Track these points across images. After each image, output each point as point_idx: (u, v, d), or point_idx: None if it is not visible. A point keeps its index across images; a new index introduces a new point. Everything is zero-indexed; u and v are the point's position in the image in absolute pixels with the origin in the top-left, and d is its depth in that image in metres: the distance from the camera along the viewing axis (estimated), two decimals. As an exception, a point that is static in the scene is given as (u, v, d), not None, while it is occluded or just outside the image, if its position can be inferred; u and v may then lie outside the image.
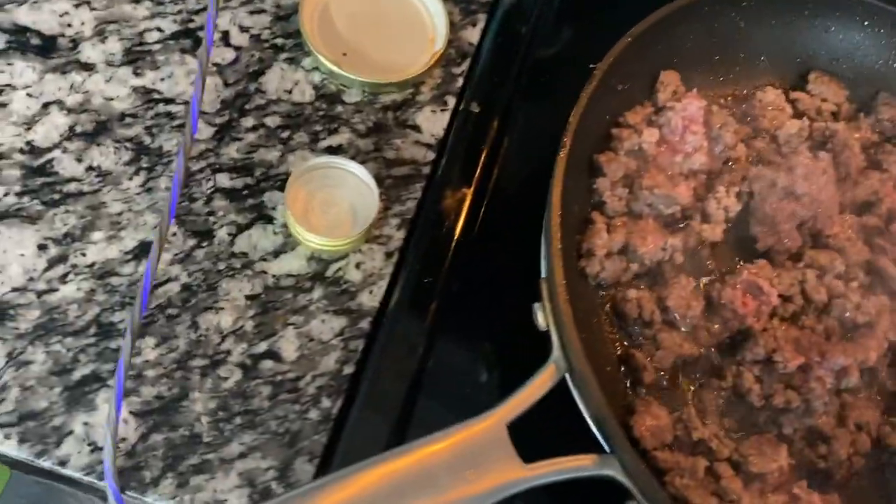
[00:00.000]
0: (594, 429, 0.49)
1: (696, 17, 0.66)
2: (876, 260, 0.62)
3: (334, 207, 0.61)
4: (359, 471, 0.44)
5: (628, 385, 0.57)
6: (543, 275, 0.53)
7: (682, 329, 0.58)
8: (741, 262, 0.62)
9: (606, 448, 0.49)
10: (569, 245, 0.60)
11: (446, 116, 0.68)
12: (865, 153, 0.67)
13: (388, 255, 0.62)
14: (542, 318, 0.53)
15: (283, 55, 0.68)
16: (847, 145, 0.66)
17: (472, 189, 0.65)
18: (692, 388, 0.57)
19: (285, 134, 0.65)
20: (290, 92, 0.66)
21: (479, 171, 0.66)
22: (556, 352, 0.51)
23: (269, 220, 0.61)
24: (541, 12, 0.74)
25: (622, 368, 0.58)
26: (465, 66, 0.70)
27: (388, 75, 0.67)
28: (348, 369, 0.58)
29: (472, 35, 0.71)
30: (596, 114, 0.61)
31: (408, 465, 0.45)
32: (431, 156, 0.66)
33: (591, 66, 0.59)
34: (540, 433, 0.49)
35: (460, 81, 0.69)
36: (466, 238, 0.63)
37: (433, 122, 0.67)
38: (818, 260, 0.60)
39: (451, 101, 0.68)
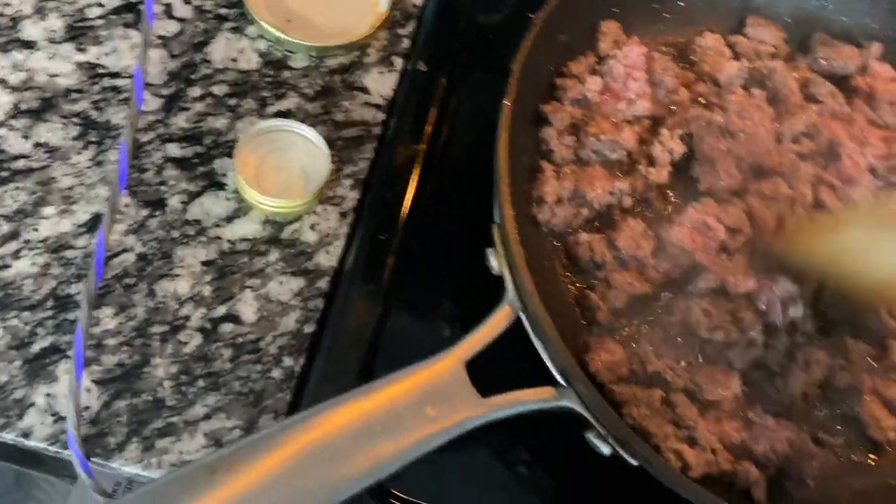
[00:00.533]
0: (549, 364, 0.50)
1: (633, -34, 0.67)
2: (820, 178, 0.63)
3: (285, 170, 0.61)
4: (322, 411, 0.45)
5: (584, 324, 0.58)
6: (495, 220, 0.54)
7: (633, 268, 0.60)
8: (688, 202, 0.63)
9: (563, 382, 0.50)
10: (520, 193, 0.61)
11: (394, 77, 0.68)
12: (803, 90, 0.69)
13: (343, 214, 0.62)
14: (495, 262, 0.54)
15: (228, 24, 0.68)
16: (785, 83, 0.67)
17: (423, 147, 0.66)
18: (645, 324, 0.59)
19: (233, 101, 0.65)
20: (235, 60, 0.66)
21: (429, 129, 0.66)
22: (510, 293, 0.52)
23: (221, 186, 0.62)
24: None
25: (577, 309, 0.59)
26: (410, 27, 0.71)
27: (333, 39, 0.67)
28: (309, 328, 0.58)
29: (416, -4, 0.72)
30: (539, 64, 0.62)
31: (371, 405, 0.46)
32: (381, 116, 0.67)
33: (530, 15, 0.60)
34: (499, 371, 0.50)
35: (406, 42, 0.70)
36: (420, 194, 0.64)
37: (381, 84, 0.68)
38: (763, 189, 0.62)
39: (399, 62, 0.69)
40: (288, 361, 0.57)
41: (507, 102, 0.56)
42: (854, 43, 0.71)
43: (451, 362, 0.48)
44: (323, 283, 0.60)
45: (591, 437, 0.50)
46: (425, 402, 0.46)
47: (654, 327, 0.58)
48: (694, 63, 0.69)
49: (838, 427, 0.60)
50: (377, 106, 0.67)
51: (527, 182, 0.62)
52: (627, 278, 0.59)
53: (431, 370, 0.47)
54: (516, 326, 0.52)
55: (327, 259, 0.61)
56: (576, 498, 0.59)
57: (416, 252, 0.62)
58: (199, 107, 0.64)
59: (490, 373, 0.51)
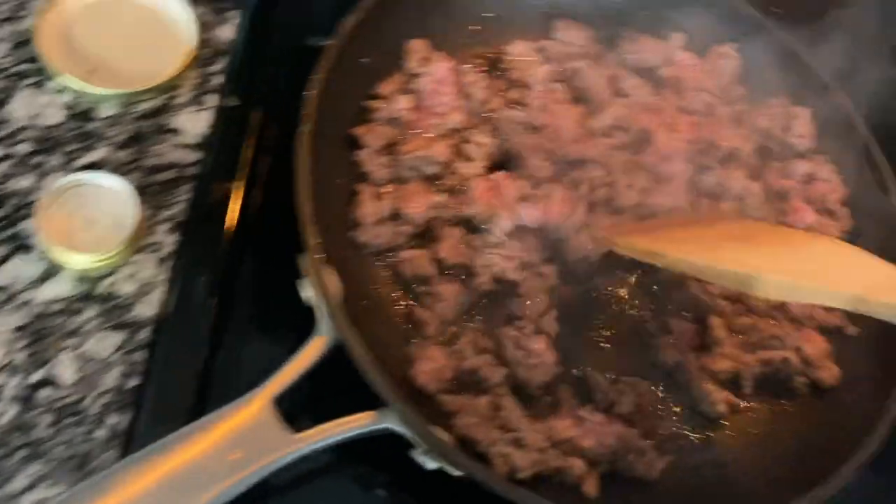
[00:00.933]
0: (372, 386, 0.50)
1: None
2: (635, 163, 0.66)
3: (96, 224, 0.60)
4: (113, 476, 0.43)
5: (414, 341, 0.59)
6: (303, 250, 0.54)
7: (460, 278, 0.60)
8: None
9: (383, 403, 0.50)
10: (338, 218, 0.61)
11: (207, 115, 0.67)
12: (612, 86, 0.71)
13: (162, 260, 0.61)
14: (307, 292, 0.53)
15: (27, 81, 0.66)
16: (592, 80, 0.69)
17: (243, 182, 0.65)
18: (470, 328, 0.59)
19: (37, 159, 0.63)
20: (38, 116, 0.65)
21: (247, 163, 0.66)
22: (323, 323, 0.52)
23: (29, 248, 0.60)
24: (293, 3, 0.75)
25: (407, 326, 0.59)
26: (221, 63, 0.70)
27: (140, 83, 0.66)
28: (133, 382, 0.57)
29: (226, 32, 0.71)
30: (344, 89, 0.62)
31: (171, 464, 0.45)
32: (196, 156, 0.66)
33: (326, 43, 0.60)
34: (324, 400, 0.51)
35: (218, 79, 0.69)
36: (242, 230, 0.63)
37: (194, 123, 0.67)
38: (574, 177, 0.63)
39: (211, 99, 0.68)
40: (113, 419, 0.55)
41: (304, 130, 0.56)
42: (658, 36, 0.74)
43: (258, 402, 0.47)
44: (144, 334, 0.58)
45: (416, 454, 0.51)
46: (230, 447, 0.45)
47: (479, 330, 0.59)
48: (505, 71, 0.71)
49: (674, 407, 0.62)
50: (191, 146, 0.66)
51: (346, 206, 0.62)
52: (454, 289, 0.60)
53: (236, 414, 0.47)
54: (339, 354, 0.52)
55: (147, 309, 0.59)
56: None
57: (240, 289, 0.61)
58: (1, 168, 0.62)
59: (314, 403, 0.52)
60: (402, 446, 0.52)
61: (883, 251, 0.66)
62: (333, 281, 0.53)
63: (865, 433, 0.57)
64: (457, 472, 0.50)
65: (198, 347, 0.58)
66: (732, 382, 0.62)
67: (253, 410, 0.47)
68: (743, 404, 0.62)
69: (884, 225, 0.67)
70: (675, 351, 0.61)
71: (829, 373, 0.63)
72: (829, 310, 0.66)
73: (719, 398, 0.61)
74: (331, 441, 0.48)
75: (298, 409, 0.51)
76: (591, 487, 0.54)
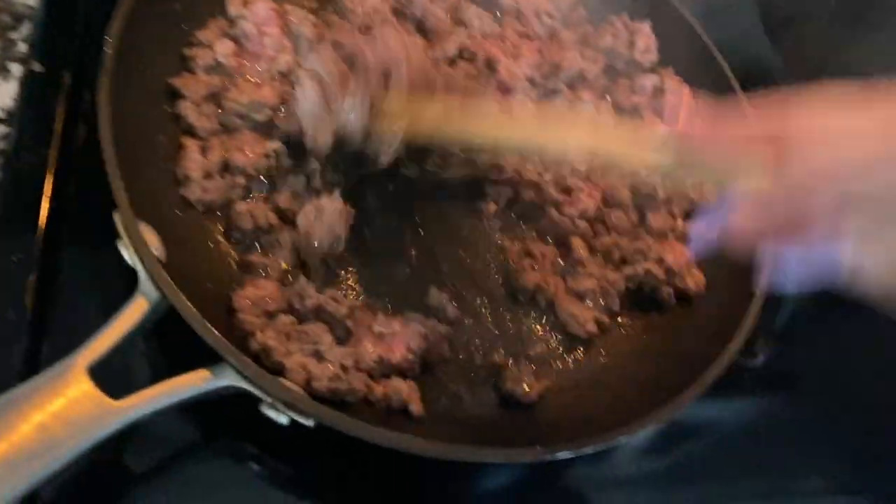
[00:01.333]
0: (202, 339, 0.46)
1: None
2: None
3: None
4: None
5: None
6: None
7: (298, 226, 0.57)
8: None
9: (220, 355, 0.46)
10: (165, 176, 0.56)
11: (13, 85, 0.61)
12: (453, 16, 0.69)
13: (-29, 242, 0.55)
14: (127, 254, 0.49)
15: None
16: (428, 10, 0.67)
17: (56, 150, 0.59)
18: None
19: None
20: None
21: (59, 131, 0.60)
22: (143, 283, 0.48)
23: None
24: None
25: (242, 275, 0.55)
26: (25, 29, 0.64)
27: (-72, 57, 0.60)
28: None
29: (26, -5, 0.65)
30: (156, 36, 0.58)
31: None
32: (3, 130, 0.60)
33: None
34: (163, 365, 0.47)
35: (23, 46, 0.63)
36: (60, 201, 0.58)
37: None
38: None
39: (16, 67, 0.62)
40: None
41: (103, 81, 0.51)
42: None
43: (70, 372, 0.43)
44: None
45: (265, 409, 0.47)
46: (41, 424, 0.40)
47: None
48: (338, 7, 0.67)
49: (550, 332, 0.60)
50: (-3, 120, 0.60)
51: (172, 162, 0.57)
52: (292, 236, 0.56)
53: (45, 387, 0.42)
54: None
55: (-45, 295, 0.53)
56: (311, 475, 0.55)
57: (61, 264, 0.56)
58: None
59: (145, 369, 0.47)
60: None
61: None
62: (152, 239, 0.49)
63: (730, 334, 0.57)
64: (309, 422, 0.46)
65: (16, 335, 0.53)
66: (601, 300, 0.61)
67: (65, 381, 0.42)
68: (611, 321, 0.61)
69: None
70: (536, 275, 0.60)
71: (694, 280, 0.63)
72: (687, 219, 0.66)
73: (587, 317, 0.59)
74: (160, 406, 0.44)
75: (126, 377, 0.46)
76: (416, 406, 0.52)
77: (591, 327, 0.59)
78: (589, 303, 0.61)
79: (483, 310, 0.60)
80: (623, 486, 0.59)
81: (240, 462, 0.54)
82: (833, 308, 0.65)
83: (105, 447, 0.44)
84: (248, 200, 0.57)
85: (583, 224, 0.63)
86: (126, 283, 0.49)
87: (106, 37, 0.52)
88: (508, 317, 0.60)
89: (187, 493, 0.52)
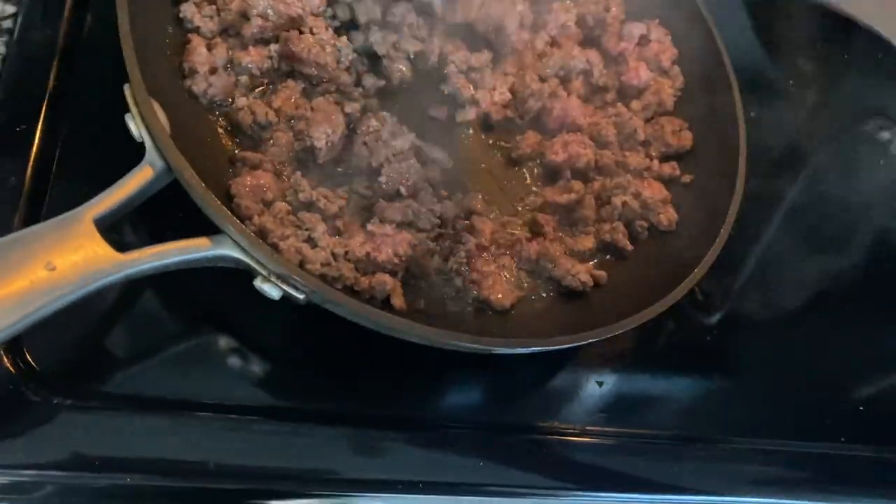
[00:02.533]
0: (204, 210, 0.48)
1: None
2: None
3: None
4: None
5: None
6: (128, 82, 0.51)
7: (294, 129, 0.59)
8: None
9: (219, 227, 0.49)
10: (169, 65, 0.58)
11: (23, -30, 0.63)
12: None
13: (-24, 115, 0.56)
14: (134, 126, 0.51)
15: None
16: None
17: (62, 34, 0.61)
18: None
19: None
20: None
21: (66, 14, 0.62)
22: (151, 152, 0.50)
23: None
24: None
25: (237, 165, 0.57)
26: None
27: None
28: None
29: None
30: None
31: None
32: (10, 9, 0.61)
33: None
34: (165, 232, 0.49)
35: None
36: (64, 81, 0.59)
37: (8, -23, 0.62)
38: None
39: (27, -45, 0.63)
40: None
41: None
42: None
43: (79, 219, 0.45)
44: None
45: (259, 282, 0.49)
46: (50, 260, 0.42)
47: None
48: None
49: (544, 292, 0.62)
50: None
51: (178, 55, 0.59)
52: (287, 137, 0.58)
53: (56, 230, 0.44)
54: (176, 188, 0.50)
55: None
56: (292, 366, 0.58)
57: (62, 144, 0.58)
58: None
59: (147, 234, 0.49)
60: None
61: (711, 108, 0.71)
62: (160, 113, 0.51)
63: (695, 265, 0.60)
64: (301, 297, 0.49)
65: (13, 203, 0.54)
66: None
67: (72, 228, 0.44)
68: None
69: (709, 82, 0.71)
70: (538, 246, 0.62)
71: (667, 216, 0.66)
72: (663, 161, 0.69)
73: (583, 273, 0.61)
74: (162, 264, 0.46)
75: (128, 238, 0.48)
76: (398, 300, 0.54)
77: (587, 279, 0.61)
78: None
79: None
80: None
81: (217, 351, 0.56)
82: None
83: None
84: (248, 98, 0.59)
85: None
86: (126, 159, 0.51)
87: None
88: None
89: (164, 376, 0.54)
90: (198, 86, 0.58)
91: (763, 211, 0.76)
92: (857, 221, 0.79)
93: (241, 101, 0.58)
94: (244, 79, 0.59)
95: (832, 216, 0.78)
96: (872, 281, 0.76)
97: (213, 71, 0.58)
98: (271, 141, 0.58)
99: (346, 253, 0.54)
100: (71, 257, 0.43)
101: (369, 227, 0.55)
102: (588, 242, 0.63)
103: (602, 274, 0.62)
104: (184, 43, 0.59)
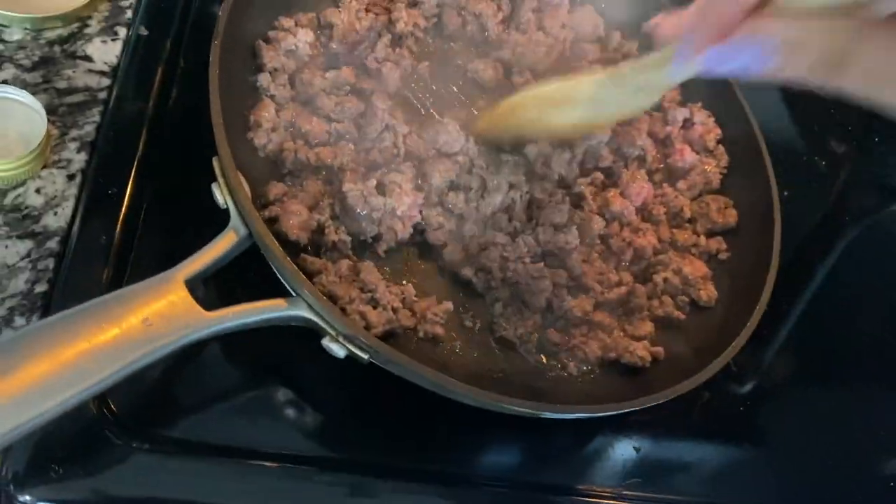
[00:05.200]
0: (282, 275, 0.53)
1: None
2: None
3: (2, 138, 0.60)
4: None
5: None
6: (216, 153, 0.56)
7: None
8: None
9: (292, 292, 0.53)
10: (238, 121, 0.62)
11: (118, 45, 0.69)
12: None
13: (70, 177, 0.62)
14: (219, 194, 0.55)
15: (-70, 3, 0.66)
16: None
17: (150, 106, 0.67)
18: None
19: (-59, 75, 0.63)
20: (-59, 36, 0.65)
21: (155, 90, 0.67)
22: (234, 219, 0.54)
23: (-67, 159, 0.59)
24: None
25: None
26: (132, -1, 0.72)
27: (48, 10, 0.67)
28: (40, 287, 0.57)
29: (137, -32, 0.73)
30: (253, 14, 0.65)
31: (89, 330, 0.46)
32: (106, 82, 0.67)
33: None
34: (243, 293, 0.53)
35: (129, 13, 0.71)
36: (151, 151, 0.65)
37: (105, 52, 0.68)
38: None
39: (122, 31, 0.70)
40: (20, 321, 0.56)
41: (215, 42, 0.58)
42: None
43: (171, 281, 0.49)
44: (53, 244, 0.59)
45: (326, 342, 0.53)
46: (144, 318, 0.47)
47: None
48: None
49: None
50: (101, 73, 0.67)
51: (246, 110, 0.64)
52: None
53: (149, 290, 0.48)
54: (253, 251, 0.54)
55: (55, 220, 0.60)
56: (347, 420, 0.61)
57: (148, 206, 0.63)
58: None
59: (228, 296, 0.54)
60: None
61: (747, 186, 0.74)
62: (244, 182, 0.55)
63: (732, 339, 0.63)
64: (364, 357, 0.53)
65: (103, 258, 0.59)
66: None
67: (166, 288, 0.48)
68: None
69: (751, 152, 0.75)
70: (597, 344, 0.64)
71: (707, 292, 0.69)
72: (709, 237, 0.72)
73: (640, 349, 0.64)
74: (243, 322, 0.50)
75: (213, 299, 0.53)
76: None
77: (646, 355, 0.64)
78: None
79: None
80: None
81: (277, 403, 0.60)
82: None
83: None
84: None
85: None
86: (204, 221, 0.56)
87: (220, 12, 0.60)
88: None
89: (226, 425, 0.57)
90: (260, 139, 0.62)
91: (795, 285, 0.79)
92: (888, 296, 0.82)
93: (289, 145, 0.63)
94: (300, 143, 0.63)
95: (862, 292, 0.81)
96: (905, 356, 0.78)
97: (275, 129, 0.63)
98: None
99: (403, 300, 0.59)
100: (165, 314, 0.47)
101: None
102: (647, 327, 0.66)
103: (659, 350, 0.65)
104: (253, 103, 0.64)
